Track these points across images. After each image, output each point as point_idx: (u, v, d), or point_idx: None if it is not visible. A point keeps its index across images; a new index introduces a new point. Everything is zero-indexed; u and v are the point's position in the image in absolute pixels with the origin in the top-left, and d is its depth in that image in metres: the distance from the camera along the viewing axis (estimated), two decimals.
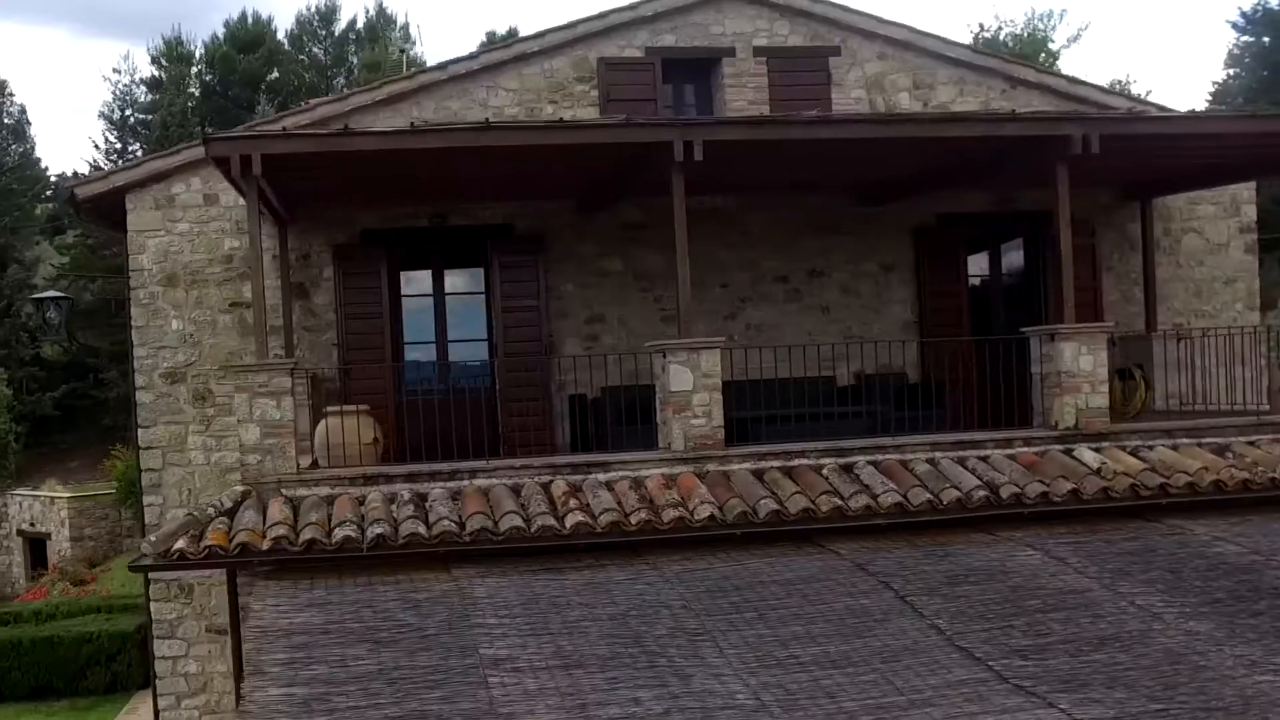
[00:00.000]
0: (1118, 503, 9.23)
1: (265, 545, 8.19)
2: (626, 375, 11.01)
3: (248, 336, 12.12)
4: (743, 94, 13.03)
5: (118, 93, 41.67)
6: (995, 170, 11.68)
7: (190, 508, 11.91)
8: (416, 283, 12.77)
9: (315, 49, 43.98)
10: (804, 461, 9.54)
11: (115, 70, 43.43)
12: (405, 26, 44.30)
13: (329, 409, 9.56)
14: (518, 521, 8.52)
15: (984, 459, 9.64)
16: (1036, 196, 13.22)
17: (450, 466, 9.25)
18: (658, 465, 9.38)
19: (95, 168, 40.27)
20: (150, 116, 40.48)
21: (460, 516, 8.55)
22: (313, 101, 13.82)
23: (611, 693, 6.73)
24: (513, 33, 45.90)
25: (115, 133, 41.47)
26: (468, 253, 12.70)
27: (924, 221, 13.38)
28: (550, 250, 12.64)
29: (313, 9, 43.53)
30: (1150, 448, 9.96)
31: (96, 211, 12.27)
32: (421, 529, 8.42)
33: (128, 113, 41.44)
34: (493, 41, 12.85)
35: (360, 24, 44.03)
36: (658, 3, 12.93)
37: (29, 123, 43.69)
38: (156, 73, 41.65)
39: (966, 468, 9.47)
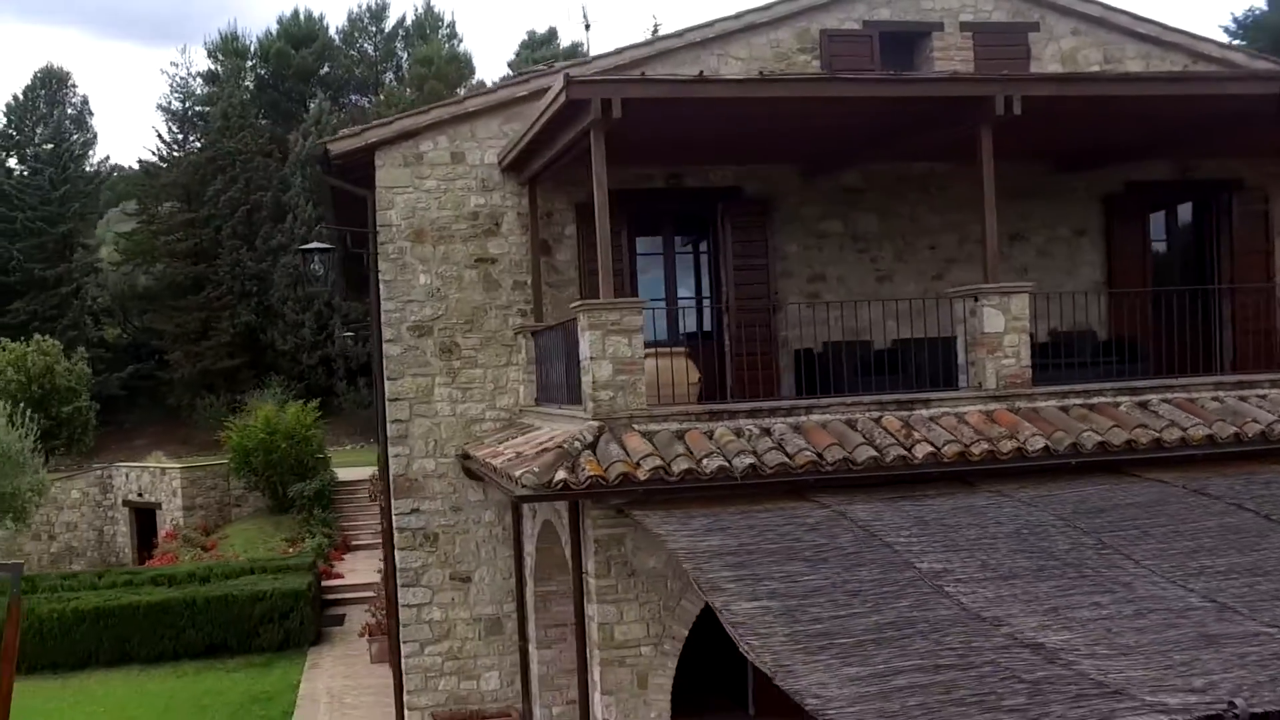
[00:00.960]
0: None
1: (642, 475, 7.77)
2: (848, 332, 10.72)
3: (492, 291, 11.71)
4: (950, 66, 12.65)
5: (175, 85, 40.80)
6: (1180, 140, 11.67)
7: (437, 456, 11.63)
8: (649, 241, 12.38)
9: (366, 44, 43.37)
10: (1102, 399, 9.28)
11: (173, 64, 42.83)
12: (452, 24, 43.73)
13: (647, 350, 9.17)
14: (872, 452, 8.16)
15: (1263, 397, 9.52)
16: (1212, 166, 13.35)
17: (788, 404, 8.87)
18: (971, 403, 9.04)
19: (160, 156, 39.51)
20: (207, 109, 39.66)
21: (816, 448, 8.23)
22: (557, 65, 13.47)
23: (1068, 597, 6.42)
24: (552, 32, 45.64)
25: (175, 124, 40.56)
26: (698, 213, 12.32)
27: (1112, 189, 13.24)
28: (776, 213, 12.30)
29: (364, 6, 42.89)
30: None
31: (344, 168, 11.65)
32: (784, 459, 8.04)
33: (186, 105, 40.53)
34: (717, 18, 12.30)
35: (409, 21, 43.42)
36: None
37: (91, 113, 42.65)
38: (213, 66, 40.80)
39: (1251, 405, 9.36)
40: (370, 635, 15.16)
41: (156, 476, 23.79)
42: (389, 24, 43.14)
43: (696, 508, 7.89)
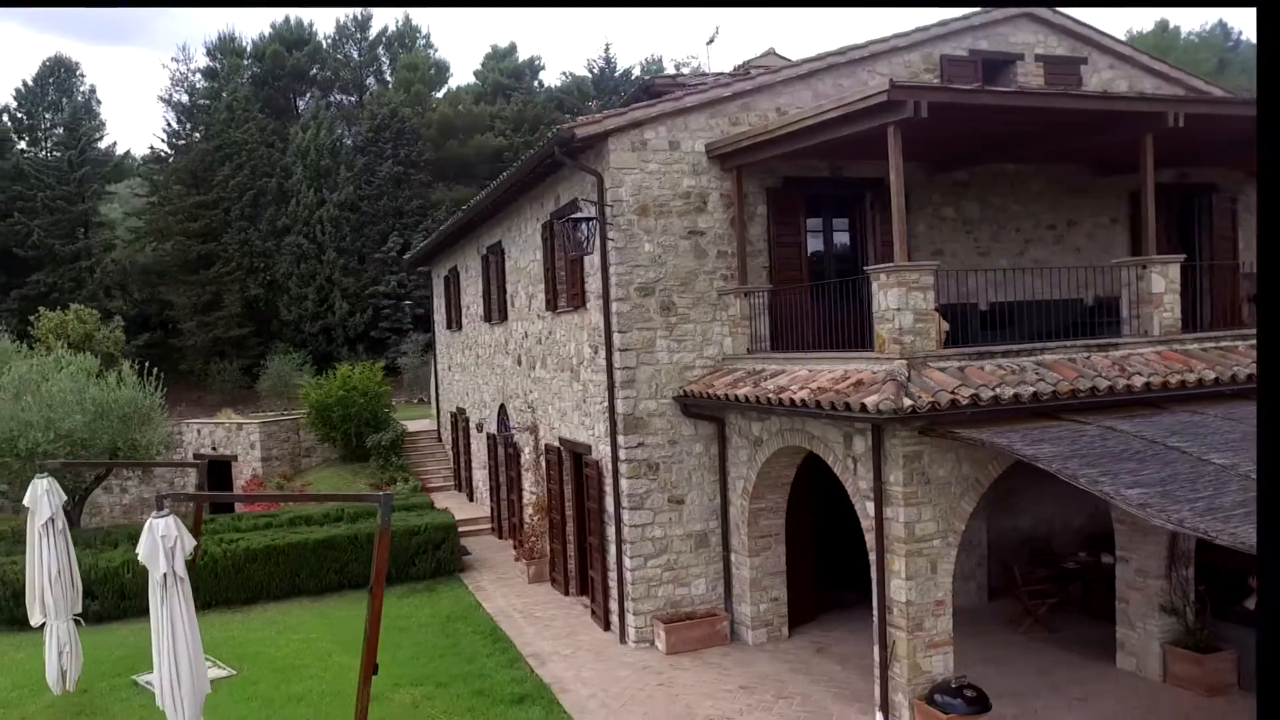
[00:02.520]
0: None
1: (963, 401, 8.34)
2: (962, 295, 11.65)
3: (701, 258, 11.99)
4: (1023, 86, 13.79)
5: (176, 79, 38.34)
6: (1180, 153, 12.82)
7: (657, 398, 11.86)
8: (813, 221, 12.86)
9: (352, 50, 41.71)
10: (1226, 343, 10.47)
11: (174, 59, 40.18)
12: (428, 35, 42.55)
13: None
14: (1107, 383, 8.96)
15: None
16: (1198, 173, 14.87)
17: (1030, 346, 9.59)
18: (1146, 345, 9.99)
19: (169, 143, 37.24)
20: (208, 102, 37.51)
21: (1069, 380, 8.97)
22: (756, 71, 13.69)
23: None
24: (513, 46, 44.99)
25: (181, 115, 38.17)
26: (851, 198, 12.90)
27: (1134, 189, 14.55)
28: (909, 200, 13.03)
29: (350, 16, 41.31)
30: None
31: (579, 150, 11.75)
32: (1052, 388, 8.76)
33: (188, 97, 38.17)
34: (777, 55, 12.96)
35: (390, 31, 41.97)
36: (976, 18, 13.47)
37: (99, 101, 39.60)
38: (212, 63, 38.50)
39: None
40: (529, 559, 15.18)
41: (232, 431, 22.71)
42: (372, 33, 41.72)
43: (995, 427, 8.52)
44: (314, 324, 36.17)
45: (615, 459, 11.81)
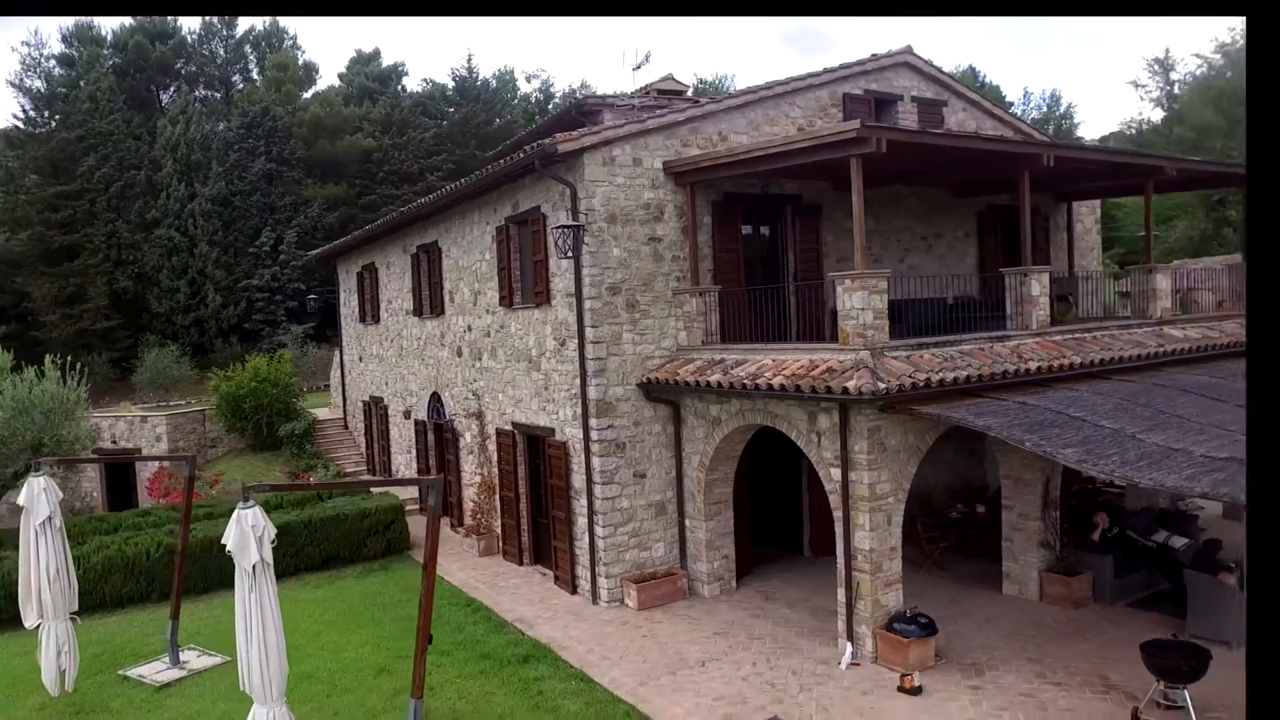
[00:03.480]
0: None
1: (922, 382, 9.43)
2: None
3: (659, 262, 12.53)
4: (906, 123, 15.21)
5: (27, 64, 34.20)
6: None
7: (624, 385, 12.31)
8: (746, 229, 13.64)
9: (219, 47, 38.66)
10: (1087, 335, 12.12)
11: (25, 44, 35.63)
12: (295, 36, 40.10)
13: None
14: (1025, 366, 10.29)
15: (1124, 329, 12.76)
16: (1030, 198, 16.93)
17: (950, 338, 10.73)
18: (1029, 337, 11.44)
19: (23, 131, 33.00)
20: (66, 90, 33.68)
21: (987, 365, 10.28)
22: (704, 100, 14.22)
23: (1146, 426, 9.07)
24: (376, 51, 43.28)
25: (36, 101, 34.03)
26: (775, 211, 13.79)
27: (980, 208, 16.40)
28: (820, 213, 14.15)
29: None
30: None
31: (555, 160, 11.97)
32: (979, 372, 10.06)
33: (44, 84, 34.09)
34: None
35: (258, 30, 39.25)
36: (869, 64, 14.75)
37: None
38: (68, 50, 34.58)
39: (1135, 334, 12.61)
40: (478, 535, 15.21)
41: (135, 424, 20.94)
42: (239, 31, 38.85)
43: (939, 404, 9.65)
44: (186, 316, 33.62)
45: (587, 440, 12.20)
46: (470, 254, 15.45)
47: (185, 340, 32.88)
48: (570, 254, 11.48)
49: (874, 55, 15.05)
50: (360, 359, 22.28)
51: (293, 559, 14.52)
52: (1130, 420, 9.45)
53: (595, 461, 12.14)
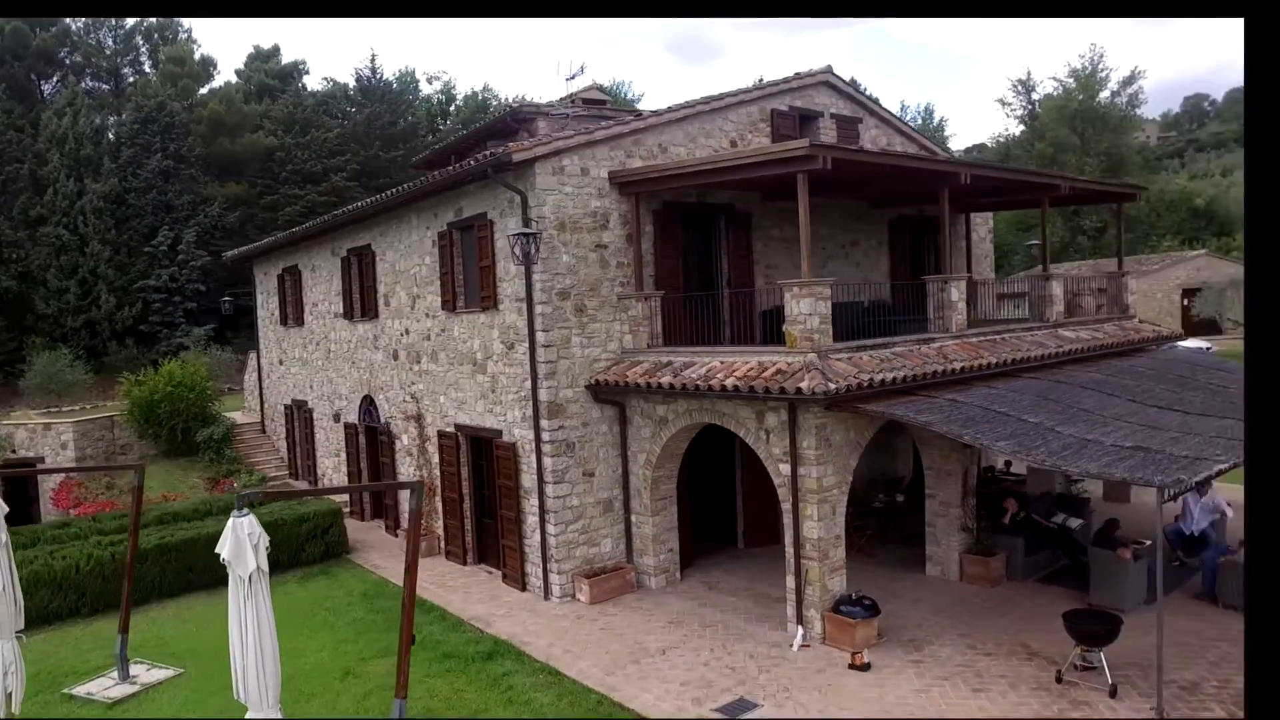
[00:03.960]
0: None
1: (868, 382, 10.03)
2: (783, 299, 13.68)
3: (605, 268, 12.75)
4: (826, 138, 15.96)
5: None
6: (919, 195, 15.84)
7: (573, 387, 12.46)
8: (685, 235, 13.99)
9: (107, 38, 36.21)
10: (997, 337, 13.04)
11: None
12: (190, 29, 37.99)
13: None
14: (951, 366, 11.06)
15: (1027, 331, 13.89)
16: (931, 210, 17.97)
17: (882, 340, 11.40)
18: (949, 339, 12.22)
19: None
20: None
21: (918, 366, 10.98)
22: (647, 113, 14.29)
23: (1062, 419, 9.99)
24: (276, 48, 41.58)
25: None
26: (709, 220, 14.21)
27: (893, 218, 17.35)
28: (751, 222, 14.68)
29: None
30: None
31: (507, 168, 12.00)
32: (913, 372, 10.75)
33: None
34: (700, 98, 14.17)
35: (150, 21, 37.00)
36: (795, 82, 15.41)
37: None
38: None
39: (1037, 336, 13.73)
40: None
41: (36, 431, 19.54)
42: (129, 21, 36.52)
43: (880, 402, 10.29)
44: (76, 318, 31.45)
45: (538, 440, 12.32)
46: (409, 258, 15.27)
47: (77, 343, 30.80)
48: (528, 260, 11.59)
49: (797, 74, 15.72)
50: (281, 362, 21.55)
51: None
52: (1046, 415, 10.33)
53: (547, 461, 12.27)
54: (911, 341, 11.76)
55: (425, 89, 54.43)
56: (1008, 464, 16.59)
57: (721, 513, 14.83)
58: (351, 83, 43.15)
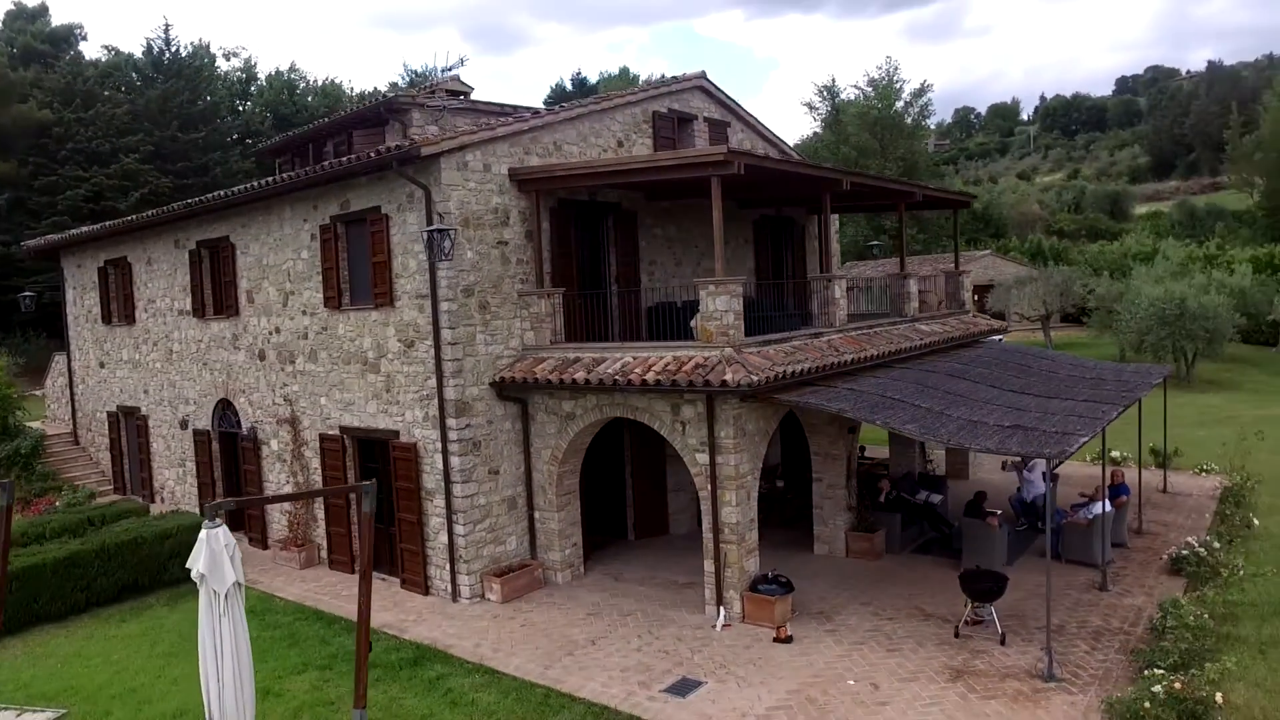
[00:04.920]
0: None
1: (780, 374, 10.90)
2: (673, 294, 14.66)
3: (506, 265, 12.91)
4: (700, 141, 16.85)
5: None
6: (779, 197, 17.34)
7: (479, 385, 12.45)
8: (576, 233, 14.29)
9: None
10: (871, 331, 14.40)
11: None
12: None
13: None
14: (834, 360, 12.28)
15: (892, 326, 15.58)
16: (789, 210, 19.47)
17: (782, 335, 12.29)
18: (835, 333, 13.35)
19: None
20: None
21: (826, 358, 11.98)
22: (544, 111, 14.29)
23: (940, 404, 11.46)
24: (44, 7, 37.07)
25: None
26: (598, 218, 14.60)
27: (756, 218, 18.53)
28: (636, 220, 15.24)
29: None
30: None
31: (410, 161, 11.79)
32: (816, 364, 11.76)
33: None
34: (596, 91, 14.39)
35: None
36: (675, 85, 16.21)
37: None
38: None
39: (898, 330, 15.34)
40: (297, 547, 14.32)
41: None
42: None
43: (792, 392, 11.25)
44: None
45: (444, 440, 12.28)
46: (280, 252, 14.55)
47: None
48: (444, 257, 11.53)
49: (675, 78, 16.52)
50: (102, 365, 19.58)
51: (82, 593, 12.79)
52: (933, 400, 11.68)
53: (454, 461, 12.26)
54: (805, 336, 12.83)
55: (223, 65, 50.71)
56: (862, 448, 18.28)
57: (611, 506, 15.35)
58: (139, 53, 39.37)
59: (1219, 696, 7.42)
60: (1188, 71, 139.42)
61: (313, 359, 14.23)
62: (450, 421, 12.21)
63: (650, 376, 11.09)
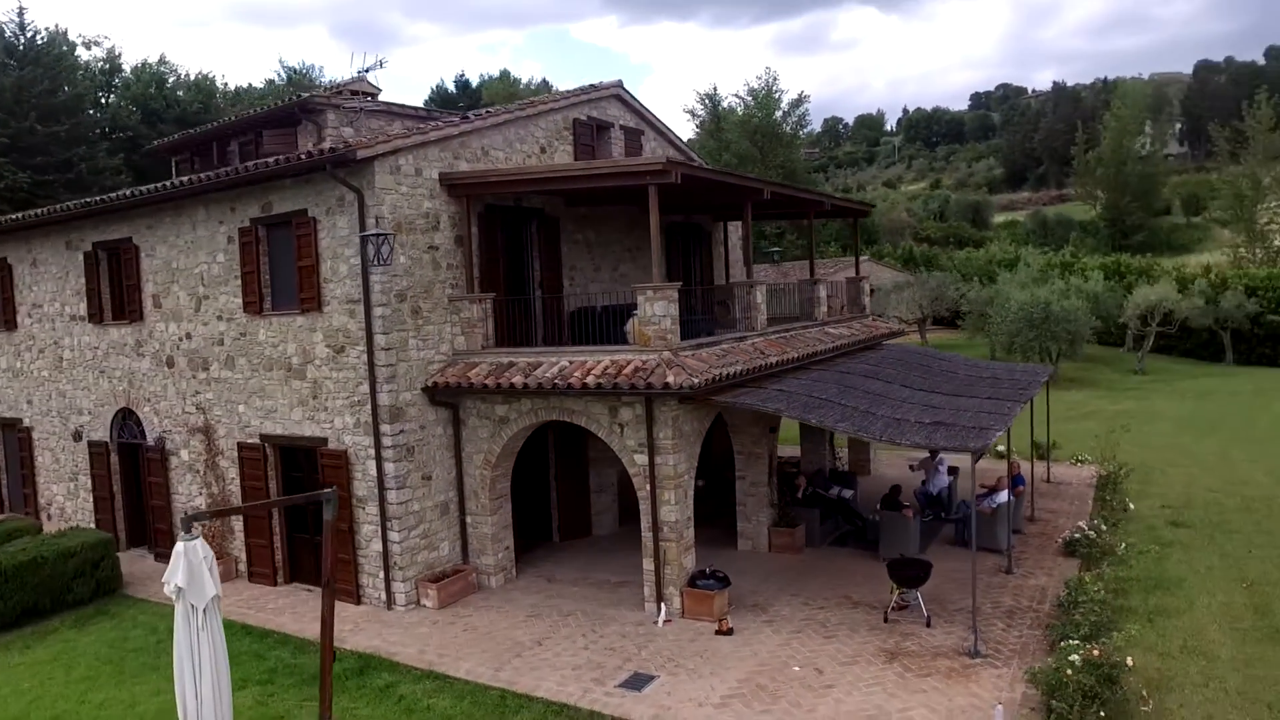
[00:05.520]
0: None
1: (716, 377, 11.30)
2: (593, 299, 15.06)
3: (437, 270, 12.89)
4: (616, 149, 17.14)
5: None
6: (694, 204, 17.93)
7: (411, 390, 12.29)
8: (502, 238, 14.28)
9: None
10: (789, 334, 15.00)
11: None
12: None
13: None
14: (761, 362, 12.83)
15: (805, 329, 16.37)
16: (699, 218, 20.03)
17: (713, 339, 12.72)
18: (758, 336, 13.85)
19: None
20: None
21: (757, 359, 12.45)
22: (472, 115, 14.28)
23: (838, 395, 12.23)
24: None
25: None
26: (522, 223, 14.63)
27: (667, 225, 18.89)
28: (559, 226, 15.37)
29: None
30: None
31: (344, 164, 11.55)
32: (747, 367, 12.22)
33: None
34: (519, 101, 14.48)
35: None
36: (594, 93, 16.44)
37: None
38: None
39: (811, 333, 16.14)
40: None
41: None
42: None
43: (726, 394, 11.69)
44: None
45: (378, 446, 12.11)
46: (192, 255, 13.93)
47: None
48: (381, 262, 11.38)
49: (594, 86, 16.75)
50: None
51: None
52: (856, 399, 12.38)
53: (389, 467, 12.11)
54: (731, 339, 13.33)
55: (84, 55, 47.32)
56: None
57: (536, 509, 15.43)
58: None
59: (1129, 660, 8.29)
60: (1033, 90, 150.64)
61: (229, 365, 13.71)
62: (384, 427, 12.06)
63: (590, 380, 11.30)
